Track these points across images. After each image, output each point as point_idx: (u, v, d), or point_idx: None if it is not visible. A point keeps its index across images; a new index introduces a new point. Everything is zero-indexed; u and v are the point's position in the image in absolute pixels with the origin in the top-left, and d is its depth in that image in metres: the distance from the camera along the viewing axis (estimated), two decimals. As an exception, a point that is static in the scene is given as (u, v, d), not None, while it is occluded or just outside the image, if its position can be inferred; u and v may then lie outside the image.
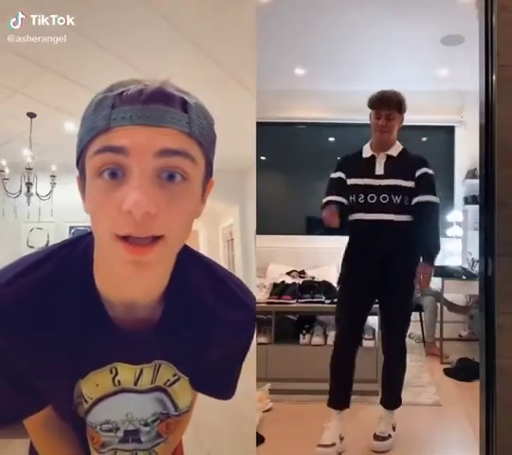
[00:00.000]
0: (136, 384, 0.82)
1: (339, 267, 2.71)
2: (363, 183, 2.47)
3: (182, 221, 0.68)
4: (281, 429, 2.77)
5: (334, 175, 2.60)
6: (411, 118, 5.85)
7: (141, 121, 0.65)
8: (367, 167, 2.49)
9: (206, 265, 0.89)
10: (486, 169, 2.00)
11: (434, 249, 2.50)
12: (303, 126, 5.58)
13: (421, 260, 2.48)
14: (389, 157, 2.50)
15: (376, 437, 2.56)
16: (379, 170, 2.47)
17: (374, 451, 2.51)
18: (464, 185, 5.24)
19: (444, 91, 4.99)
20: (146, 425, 0.86)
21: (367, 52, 4.30)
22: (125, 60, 3.60)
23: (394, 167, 2.47)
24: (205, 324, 0.83)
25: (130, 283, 0.73)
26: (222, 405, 3.43)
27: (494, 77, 1.96)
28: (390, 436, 2.57)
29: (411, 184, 2.46)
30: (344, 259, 2.60)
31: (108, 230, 0.66)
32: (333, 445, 2.47)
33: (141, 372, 0.82)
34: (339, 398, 2.59)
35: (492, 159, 1.97)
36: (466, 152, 5.10)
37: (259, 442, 2.58)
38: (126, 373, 0.81)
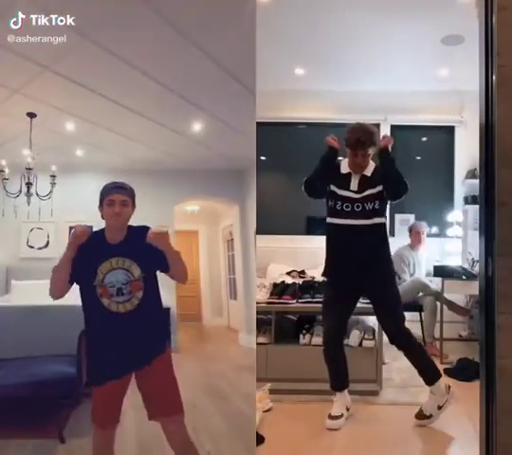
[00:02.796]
0: (116, 265, 2.01)
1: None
2: (341, 194, 2.82)
3: (127, 214, 2.05)
4: (281, 429, 2.77)
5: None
6: (411, 119, 5.83)
7: (116, 192, 2.05)
8: (343, 181, 2.84)
9: (143, 228, 2.07)
10: (486, 169, 2.00)
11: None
12: (303, 126, 5.58)
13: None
14: (363, 176, 2.84)
15: (421, 415, 2.80)
16: (354, 186, 2.82)
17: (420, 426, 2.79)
18: (464, 185, 5.23)
19: (444, 91, 4.98)
20: (124, 284, 2.00)
21: (367, 52, 4.30)
22: (125, 60, 3.60)
23: (367, 183, 2.82)
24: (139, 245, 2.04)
25: (115, 223, 2.04)
26: (222, 405, 3.45)
27: (494, 77, 1.97)
28: (431, 415, 2.79)
29: (379, 188, 2.80)
30: (326, 258, 2.96)
31: (109, 216, 2.04)
32: (341, 416, 2.83)
33: (118, 260, 2.02)
34: (339, 381, 2.92)
35: (492, 159, 1.97)
36: (466, 152, 5.09)
37: (259, 442, 2.58)
38: (114, 262, 2.01)
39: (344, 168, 2.87)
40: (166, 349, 2.10)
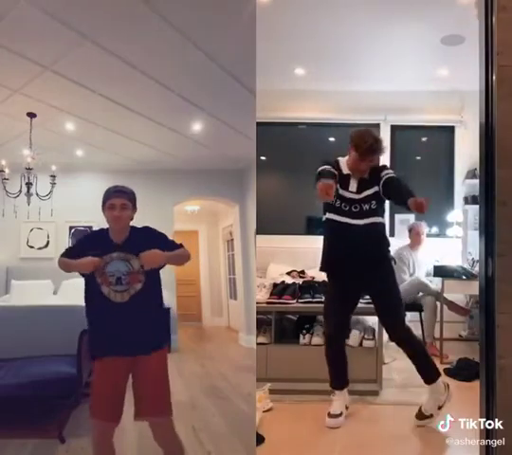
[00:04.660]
0: (118, 257, 2.13)
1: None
2: (341, 193, 2.81)
3: (127, 217, 2.18)
4: (281, 429, 2.77)
5: (323, 167, 2.79)
6: (411, 119, 5.82)
7: (116, 196, 2.17)
8: (343, 181, 2.82)
9: (144, 228, 2.26)
10: (486, 169, 2.00)
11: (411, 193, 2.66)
12: (303, 126, 5.58)
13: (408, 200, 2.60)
14: (361, 178, 2.83)
15: (421, 415, 2.79)
16: (353, 187, 2.82)
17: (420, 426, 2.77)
18: (464, 185, 5.22)
19: (444, 91, 4.98)
20: (124, 274, 2.10)
21: (367, 52, 4.29)
22: (125, 60, 3.60)
23: (364, 184, 2.82)
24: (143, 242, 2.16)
25: (116, 226, 2.17)
26: (222, 405, 3.45)
27: (494, 77, 1.97)
28: (432, 415, 2.77)
29: (375, 189, 2.79)
30: (323, 253, 2.92)
31: (110, 220, 2.18)
32: (341, 414, 2.84)
33: (119, 254, 2.13)
34: (340, 380, 2.94)
35: (492, 159, 1.97)
36: (466, 152, 5.09)
37: (259, 442, 2.58)
38: (116, 254, 2.12)
39: (344, 168, 2.84)
40: (164, 347, 2.20)
